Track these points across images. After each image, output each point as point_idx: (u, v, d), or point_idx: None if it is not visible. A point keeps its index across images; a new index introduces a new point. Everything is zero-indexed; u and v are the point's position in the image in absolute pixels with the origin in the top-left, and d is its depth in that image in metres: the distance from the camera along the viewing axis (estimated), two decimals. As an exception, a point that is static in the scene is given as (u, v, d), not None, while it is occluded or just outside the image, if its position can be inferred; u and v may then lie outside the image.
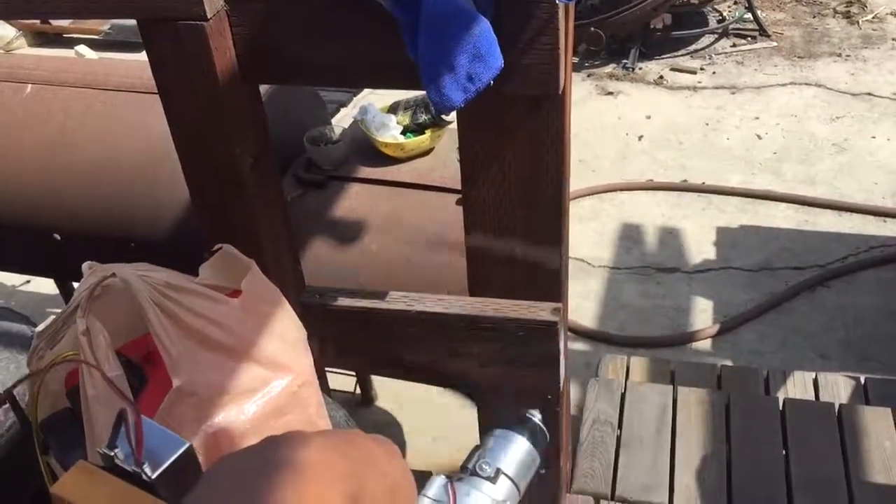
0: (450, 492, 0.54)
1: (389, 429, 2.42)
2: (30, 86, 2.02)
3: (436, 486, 0.55)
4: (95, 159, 1.89)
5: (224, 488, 0.42)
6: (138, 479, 0.63)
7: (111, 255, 1.95)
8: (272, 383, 1.13)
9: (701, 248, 3.18)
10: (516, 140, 1.19)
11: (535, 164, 1.21)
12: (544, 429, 0.62)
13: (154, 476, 0.62)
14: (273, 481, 0.41)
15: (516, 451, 0.60)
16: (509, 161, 1.22)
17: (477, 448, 0.60)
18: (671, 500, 1.79)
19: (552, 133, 1.17)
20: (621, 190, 3.54)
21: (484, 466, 0.59)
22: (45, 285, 2.88)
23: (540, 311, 1.37)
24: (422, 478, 1.88)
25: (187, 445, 0.63)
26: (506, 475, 0.59)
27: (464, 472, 0.58)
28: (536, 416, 0.62)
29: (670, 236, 3.26)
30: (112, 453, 0.63)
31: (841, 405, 2.02)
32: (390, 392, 2.52)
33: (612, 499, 1.81)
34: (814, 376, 2.24)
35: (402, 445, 2.37)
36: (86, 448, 1.06)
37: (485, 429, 0.75)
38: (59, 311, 1.13)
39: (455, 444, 2.35)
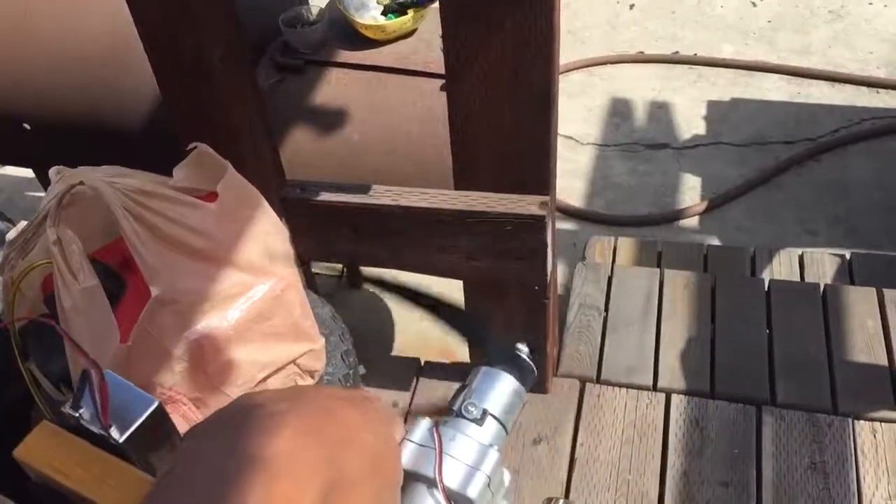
0: (435, 436, 0.52)
1: (377, 312, 2.43)
2: (-15, -36, 1.89)
3: (421, 430, 0.54)
4: (61, 44, 1.80)
5: (189, 488, 0.40)
6: (106, 441, 0.60)
7: (84, 146, 1.89)
8: (254, 288, 1.11)
9: (690, 123, 3.12)
10: (503, 27, 1.13)
11: (522, 53, 1.15)
12: (532, 364, 0.60)
13: (122, 440, 0.59)
14: (241, 480, 0.38)
15: (503, 390, 0.58)
16: (496, 49, 1.15)
17: (462, 388, 0.58)
18: (655, 381, 1.82)
19: (540, 19, 1.11)
20: (611, 63, 3.44)
21: (470, 408, 0.57)
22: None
23: (528, 204, 1.34)
24: (409, 366, 1.87)
25: (156, 404, 0.61)
26: (493, 416, 0.57)
27: (449, 413, 0.56)
28: (524, 351, 0.60)
29: (660, 111, 3.19)
30: (77, 413, 0.60)
31: (826, 285, 2.03)
32: (377, 274, 2.51)
33: (598, 381, 1.83)
34: (800, 254, 2.24)
35: (390, 328, 2.39)
36: (66, 354, 1.05)
37: (471, 367, 0.73)
38: (39, 194, 1.09)
39: (446, 324, 2.38)
